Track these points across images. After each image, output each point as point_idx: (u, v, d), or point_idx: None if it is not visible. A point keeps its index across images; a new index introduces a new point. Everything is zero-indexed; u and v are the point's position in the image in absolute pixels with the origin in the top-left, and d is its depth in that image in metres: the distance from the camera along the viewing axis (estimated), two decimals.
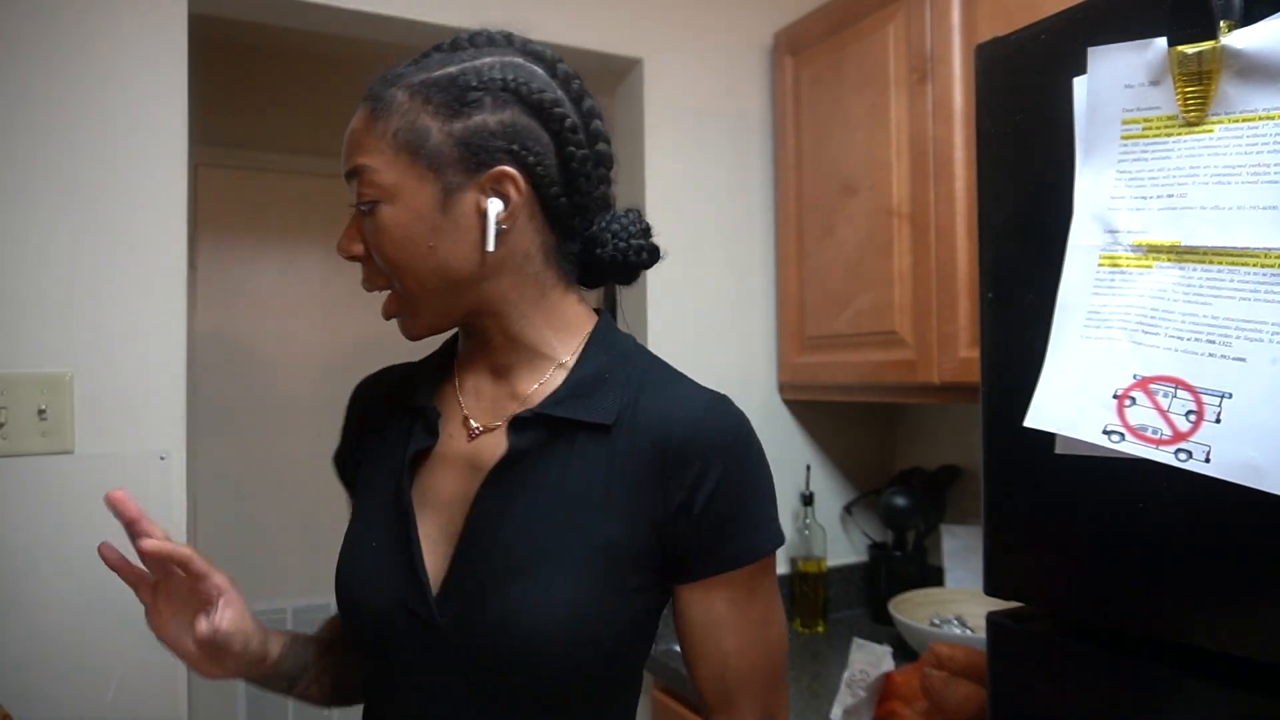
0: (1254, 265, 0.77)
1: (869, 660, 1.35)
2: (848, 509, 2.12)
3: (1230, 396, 0.77)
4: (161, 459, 1.44)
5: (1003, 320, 1.00)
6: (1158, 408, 0.81)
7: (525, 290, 0.81)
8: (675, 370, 0.84)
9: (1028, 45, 0.99)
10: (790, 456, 2.04)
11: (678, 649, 1.93)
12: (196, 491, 1.70)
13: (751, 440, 0.80)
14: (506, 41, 0.87)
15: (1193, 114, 0.82)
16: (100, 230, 1.42)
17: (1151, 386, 0.82)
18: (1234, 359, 0.77)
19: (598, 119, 0.84)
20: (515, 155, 0.77)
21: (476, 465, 0.81)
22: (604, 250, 0.85)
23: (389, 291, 0.81)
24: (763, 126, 2.03)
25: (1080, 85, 0.90)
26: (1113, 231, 0.87)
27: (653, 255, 0.89)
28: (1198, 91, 0.81)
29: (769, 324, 2.03)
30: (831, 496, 2.11)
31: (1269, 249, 0.76)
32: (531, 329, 0.82)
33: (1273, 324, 0.75)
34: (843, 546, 2.11)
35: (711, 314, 1.97)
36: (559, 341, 0.83)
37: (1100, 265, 0.88)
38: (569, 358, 0.82)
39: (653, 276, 1.91)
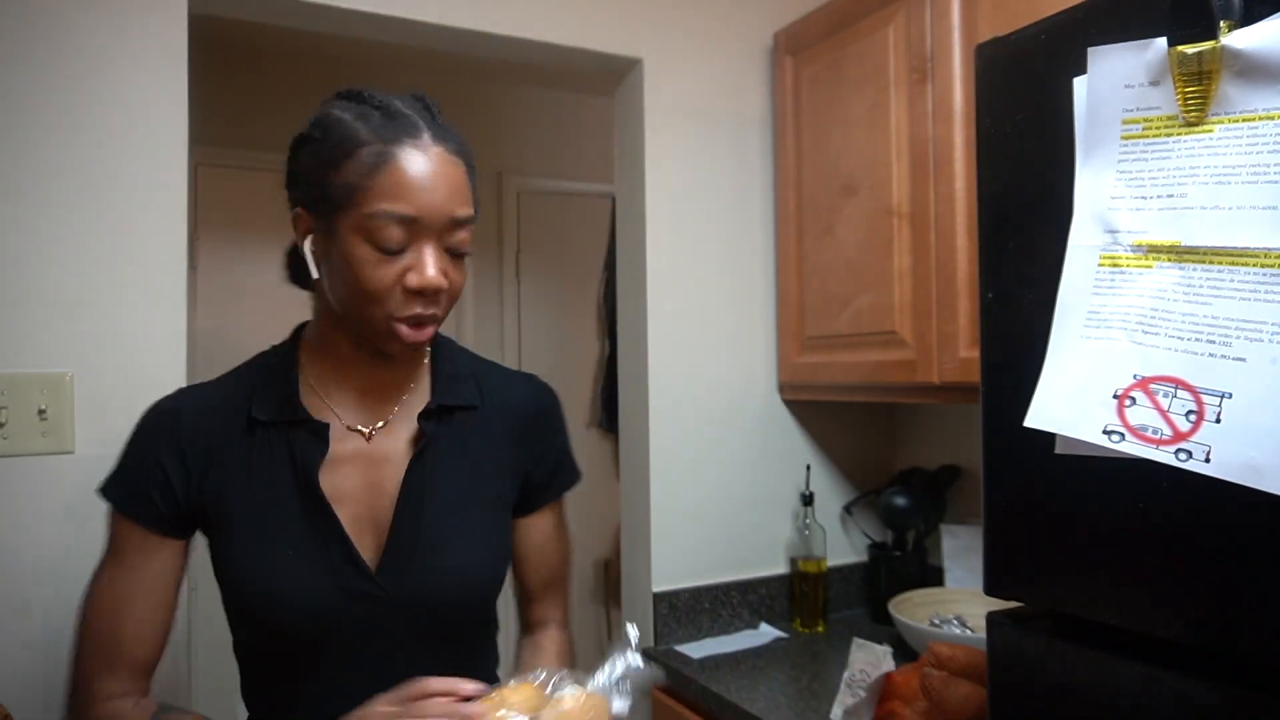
0: (1254, 265, 0.77)
1: (869, 660, 1.35)
2: (848, 509, 2.12)
3: (1230, 396, 0.77)
4: None
5: (1003, 320, 1.00)
6: (1158, 408, 0.81)
7: None
8: (486, 359, 1.12)
9: (1028, 45, 0.99)
10: (790, 456, 2.04)
11: (678, 649, 1.93)
12: None
13: (560, 405, 1.15)
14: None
15: (1193, 114, 0.82)
16: (100, 230, 1.42)
17: (1151, 386, 0.82)
18: (1234, 359, 0.77)
19: None
20: None
21: (384, 459, 0.98)
22: None
23: (418, 324, 0.92)
24: (763, 126, 2.03)
25: (1080, 85, 0.90)
26: (1113, 231, 0.87)
27: None
28: (1198, 91, 0.81)
29: (769, 324, 2.03)
30: (831, 496, 2.11)
31: (1269, 249, 0.76)
32: None
33: (1273, 324, 0.75)
34: (843, 546, 2.11)
35: (711, 314, 1.97)
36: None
37: (1100, 265, 0.88)
38: (424, 361, 1.04)
39: (653, 277, 1.91)
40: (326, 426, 0.96)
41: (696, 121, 1.96)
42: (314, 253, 0.92)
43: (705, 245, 1.97)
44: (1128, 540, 0.87)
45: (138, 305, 1.44)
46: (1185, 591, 0.83)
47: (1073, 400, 0.88)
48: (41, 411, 1.37)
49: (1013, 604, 1.02)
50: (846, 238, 1.79)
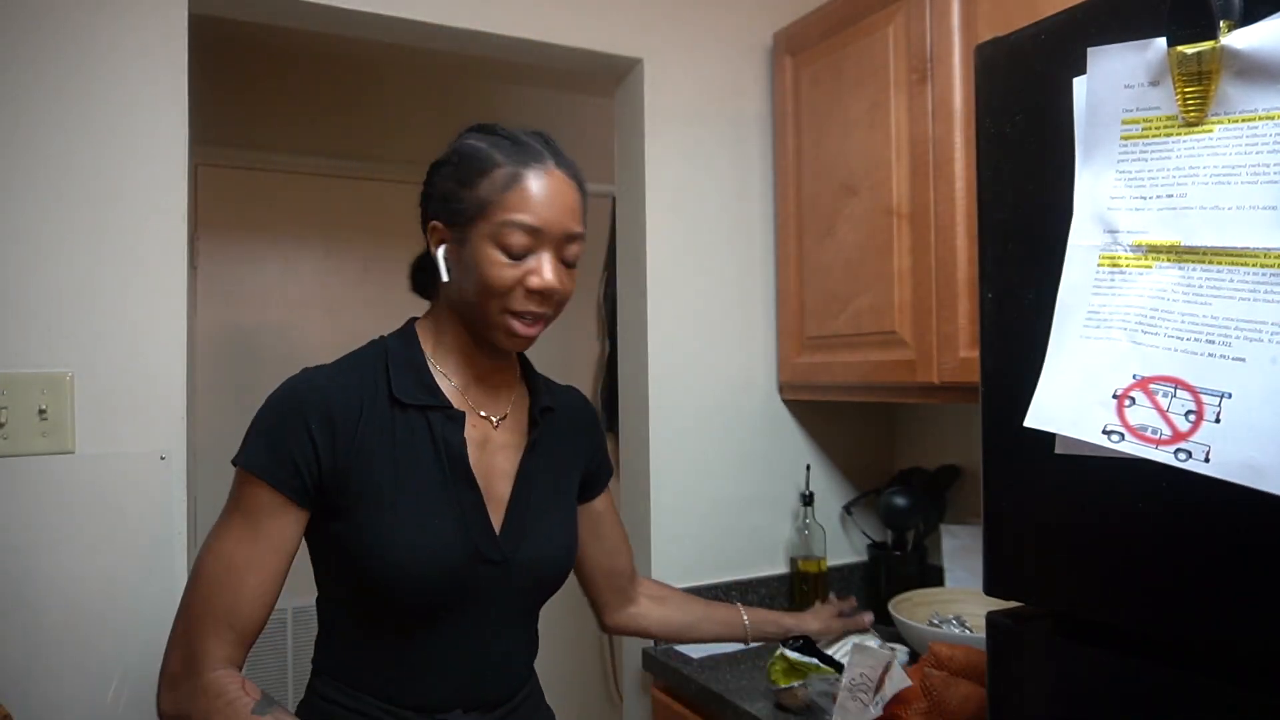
0: (1254, 265, 0.77)
1: (870, 663, 1.34)
2: (847, 509, 2.12)
3: (1230, 396, 0.77)
4: (161, 459, 1.44)
5: (1003, 320, 1.00)
6: (1157, 408, 0.81)
7: None
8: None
9: (1028, 45, 0.99)
10: (790, 456, 2.04)
11: (678, 648, 1.92)
12: (196, 491, 1.71)
13: None
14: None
15: (1192, 114, 0.82)
16: (101, 230, 1.42)
17: (1151, 386, 0.82)
18: (1234, 359, 0.77)
19: None
20: None
21: (503, 445, 1.14)
22: None
23: (531, 322, 1.08)
24: (763, 126, 2.03)
25: (1080, 85, 0.90)
26: (1113, 231, 0.87)
27: None
28: (1197, 91, 0.81)
29: (769, 324, 2.03)
30: (831, 496, 2.11)
31: (1269, 249, 0.76)
32: None
33: (1273, 324, 0.75)
34: (842, 546, 2.11)
35: (711, 314, 1.97)
36: None
37: (1100, 265, 0.88)
38: (514, 364, 1.21)
39: (653, 277, 1.91)
40: (463, 414, 1.10)
41: (696, 122, 1.96)
42: (447, 259, 1.08)
43: (705, 245, 1.97)
44: (1128, 540, 0.87)
45: (138, 305, 1.44)
46: (1185, 591, 0.83)
47: (1072, 400, 0.88)
48: (41, 411, 1.37)
49: (1013, 604, 1.02)
50: (846, 238, 1.79)
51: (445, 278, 1.08)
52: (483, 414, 1.14)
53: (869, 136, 1.73)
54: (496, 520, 1.10)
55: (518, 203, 1.03)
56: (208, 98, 1.78)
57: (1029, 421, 0.91)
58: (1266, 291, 0.76)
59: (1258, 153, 0.77)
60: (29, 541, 1.35)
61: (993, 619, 1.02)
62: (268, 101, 2.82)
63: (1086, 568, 0.91)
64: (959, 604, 1.77)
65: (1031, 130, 0.98)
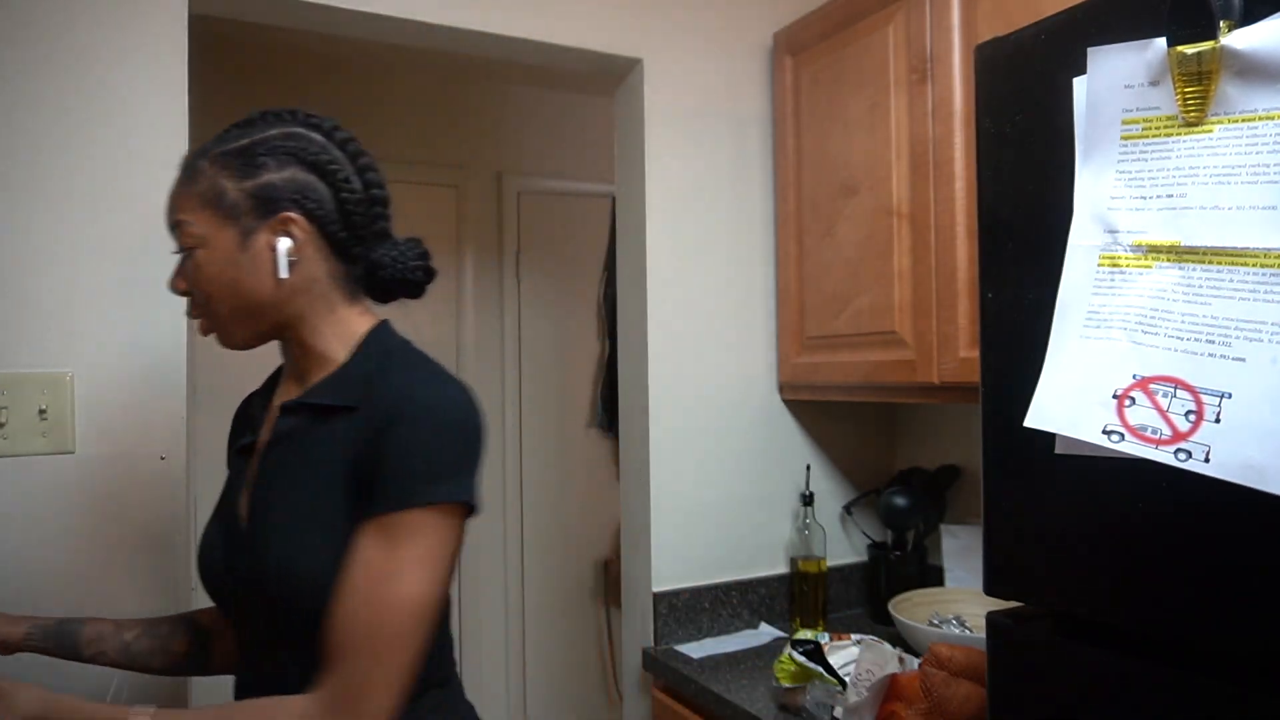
0: (1254, 265, 0.77)
1: (875, 660, 1.35)
2: (847, 509, 2.12)
3: (1230, 396, 0.77)
4: (161, 459, 1.44)
5: (1003, 320, 1.00)
6: (1157, 408, 0.82)
7: (316, 308, 1.02)
8: (426, 363, 1.01)
9: (1028, 45, 0.99)
10: (790, 456, 2.04)
11: (678, 648, 1.93)
12: (196, 491, 1.71)
13: (440, 410, 0.94)
14: (291, 116, 1.04)
15: (1192, 114, 0.82)
16: (101, 230, 1.42)
17: (1151, 386, 0.82)
18: (1234, 359, 0.77)
19: (371, 170, 1.05)
20: (298, 203, 0.99)
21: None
22: (384, 272, 1.06)
23: (204, 322, 1.02)
24: (763, 126, 2.03)
25: (1080, 85, 0.90)
26: (1113, 231, 0.87)
27: (428, 275, 1.10)
28: (1198, 92, 0.81)
29: (769, 324, 2.03)
30: (831, 496, 2.11)
31: (1269, 249, 0.76)
32: (320, 339, 1.03)
33: (1273, 324, 0.75)
34: (843, 546, 2.11)
35: (711, 314, 1.97)
36: (341, 347, 1.03)
37: (1100, 265, 0.88)
38: (340, 359, 1.02)
39: (653, 277, 1.91)
40: (263, 414, 1.09)
41: (696, 121, 1.96)
42: None
43: (705, 245, 1.97)
44: (1127, 540, 0.87)
45: (138, 305, 1.44)
46: (1185, 591, 0.83)
47: (1072, 400, 0.88)
48: (41, 411, 1.37)
49: (1013, 604, 1.02)
50: (846, 238, 1.79)
51: None
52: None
53: (869, 136, 1.73)
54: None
55: None
56: (208, 98, 1.78)
57: (1029, 421, 0.91)
58: (1267, 291, 0.76)
59: (1258, 153, 0.77)
60: (29, 541, 1.35)
61: (993, 619, 1.02)
62: (268, 101, 2.80)
63: (1086, 568, 0.91)
64: (959, 604, 1.77)
65: (1031, 130, 0.98)
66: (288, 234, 0.98)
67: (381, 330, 1.05)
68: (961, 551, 1.91)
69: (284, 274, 0.98)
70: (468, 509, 0.94)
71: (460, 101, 3.13)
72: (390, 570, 0.89)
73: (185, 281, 1.01)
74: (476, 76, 3.11)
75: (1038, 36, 0.97)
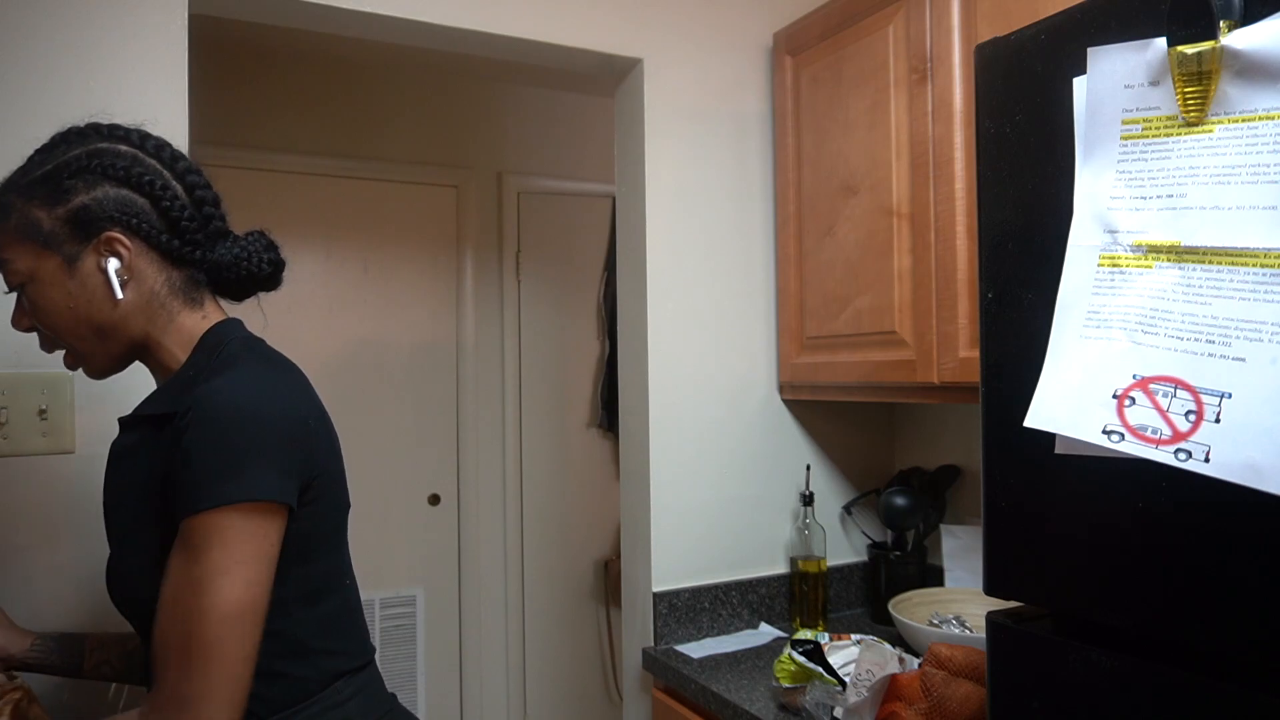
0: (1254, 265, 0.77)
1: (875, 660, 1.35)
2: (847, 509, 2.12)
3: (1230, 396, 0.77)
4: None
5: (1003, 320, 1.00)
6: (1157, 408, 0.82)
7: (157, 321, 1.00)
8: (241, 360, 0.97)
9: (1028, 45, 0.99)
10: (790, 456, 2.04)
11: (678, 648, 1.92)
12: None
13: (231, 407, 0.90)
14: (95, 132, 1.01)
15: (1193, 114, 0.82)
16: None
17: (1151, 386, 0.82)
18: (1234, 359, 0.77)
19: (193, 173, 1.02)
20: (117, 220, 0.96)
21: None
22: (229, 272, 1.04)
23: (69, 358, 1.01)
24: (763, 126, 2.03)
25: (1080, 85, 0.90)
26: (1113, 231, 0.87)
27: (276, 266, 1.09)
28: (1198, 91, 0.81)
29: (769, 324, 2.03)
30: (831, 496, 2.11)
31: (1269, 249, 0.76)
32: (167, 352, 1.01)
33: (1273, 324, 0.75)
34: (842, 546, 2.11)
35: (711, 314, 1.97)
36: (184, 354, 1.01)
37: (1100, 265, 0.88)
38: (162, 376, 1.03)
39: (652, 277, 1.91)
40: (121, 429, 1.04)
41: (696, 121, 1.96)
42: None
43: (705, 245, 1.97)
44: (1127, 540, 0.87)
45: None
46: (1185, 591, 0.83)
47: (1072, 400, 0.88)
48: (42, 411, 1.37)
49: (1013, 604, 1.02)
50: (846, 238, 1.79)
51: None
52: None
53: (869, 136, 1.73)
54: None
55: None
56: (208, 98, 1.78)
57: (1029, 421, 0.91)
58: (1267, 291, 0.76)
59: (1258, 153, 0.77)
60: (29, 541, 1.35)
61: (993, 619, 1.02)
62: (268, 101, 2.82)
63: (1086, 568, 0.91)
64: (959, 604, 1.77)
65: (1031, 130, 0.98)
66: (114, 254, 0.96)
67: (217, 331, 1.02)
68: (961, 551, 1.91)
69: (119, 294, 0.96)
70: (274, 504, 0.90)
71: (460, 101, 3.13)
72: (196, 578, 0.86)
73: (27, 318, 1.00)
74: (476, 76, 3.11)
75: (1038, 36, 0.97)
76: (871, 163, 1.72)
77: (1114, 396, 0.85)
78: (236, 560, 0.86)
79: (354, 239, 2.91)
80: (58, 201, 0.96)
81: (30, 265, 0.96)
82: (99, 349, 0.99)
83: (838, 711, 1.38)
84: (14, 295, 1.00)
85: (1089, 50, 0.89)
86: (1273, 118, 0.77)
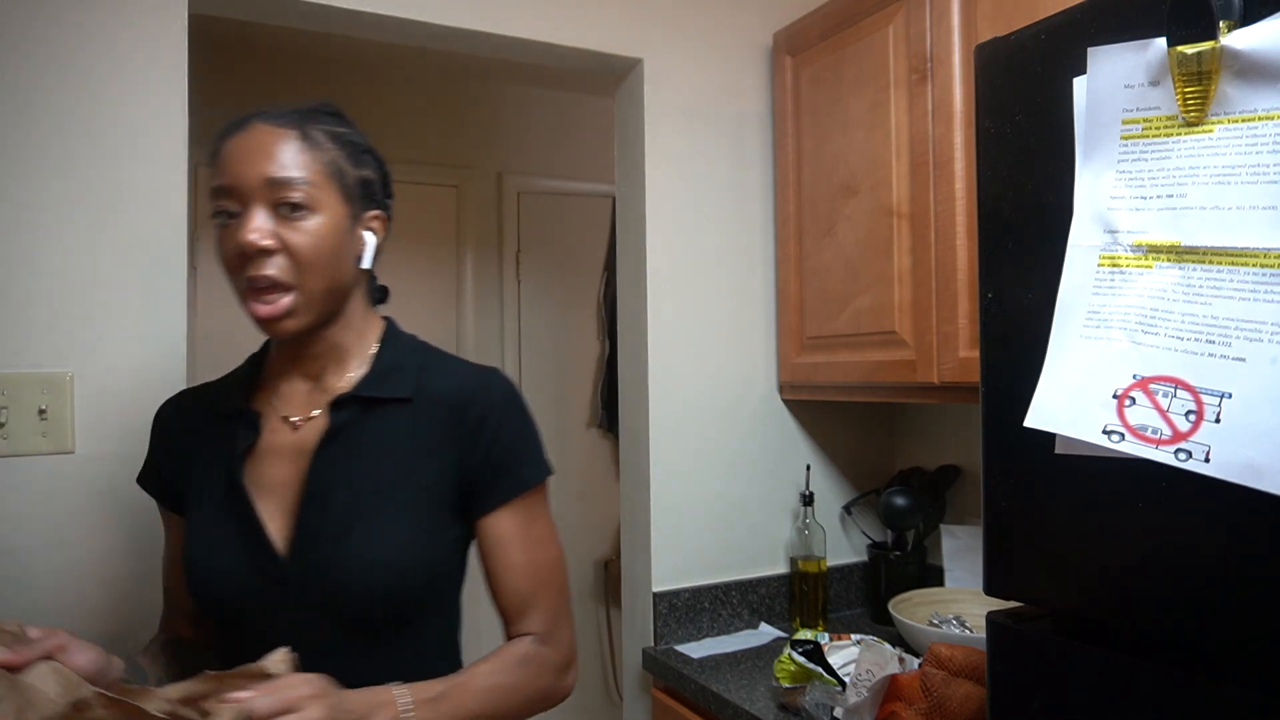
0: (1254, 265, 0.77)
1: (875, 660, 1.35)
2: (847, 509, 2.12)
3: (1230, 396, 0.77)
4: None
5: (1003, 320, 1.00)
6: (1157, 408, 0.82)
7: (358, 303, 1.07)
8: (449, 354, 1.12)
9: (1028, 45, 0.99)
10: (790, 456, 2.04)
11: (678, 648, 1.92)
12: None
13: (520, 398, 1.08)
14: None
15: (1193, 114, 0.82)
16: (101, 230, 1.42)
17: (1151, 386, 0.82)
18: (1234, 359, 0.77)
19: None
20: (383, 204, 1.08)
21: (303, 450, 1.02)
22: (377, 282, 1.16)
23: (262, 295, 0.96)
24: (763, 126, 2.03)
25: (1080, 85, 0.90)
26: (1113, 231, 0.87)
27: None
28: (1198, 91, 0.81)
29: (769, 324, 2.03)
30: (831, 496, 2.11)
31: (1269, 249, 0.76)
32: (349, 335, 1.05)
33: (1273, 324, 0.75)
34: (842, 546, 2.11)
35: (711, 314, 1.97)
36: (362, 343, 1.07)
37: (1100, 265, 0.88)
38: (369, 354, 1.06)
39: (653, 277, 1.91)
40: (257, 416, 1.04)
41: (696, 121, 1.96)
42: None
43: (705, 245, 1.97)
44: (1128, 540, 0.87)
45: (138, 305, 1.44)
46: (1185, 591, 0.83)
47: (1072, 400, 0.88)
48: (41, 411, 1.37)
49: (1013, 604, 1.02)
50: (846, 238, 1.79)
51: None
52: (285, 416, 1.05)
53: (869, 136, 1.73)
54: (283, 533, 1.00)
55: (214, 173, 0.98)
56: (208, 98, 1.78)
57: (1029, 422, 0.91)
58: (1267, 291, 0.76)
59: (1258, 153, 0.77)
60: (29, 541, 1.35)
61: (993, 619, 1.02)
62: (267, 102, 2.82)
63: (1086, 568, 0.91)
64: (959, 604, 1.77)
65: (1031, 130, 0.98)
66: (372, 230, 1.05)
67: (396, 327, 1.12)
68: (961, 551, 1.91)
69: (368, 264, 1.04)
70: None
71: (460, 101, 3.12)
72: (541, 537, 1.06)
73: (278, 239, 0.95)
74: (476, 76, 3.11)
75: (1038, 36, 0.97)
76: (871, 163, 1.72)
77: (1114, 396, 0.84)
78: (553, 523, 1.10)
79: None
80: (357, 165, 1.02)
81: (326, 200, 0.98)
82: (320, 303, 0.99)
83: (838, 712, 1.38)
84: (256, 215, 0.94)
85: (1089, 50, 0.89)
86: (1273, 118, 0.77)
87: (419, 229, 3.00)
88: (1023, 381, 0.94)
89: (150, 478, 1.14)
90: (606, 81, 2.05)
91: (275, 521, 1.00)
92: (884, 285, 1.69)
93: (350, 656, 0.97)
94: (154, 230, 1.46)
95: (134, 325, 1.44)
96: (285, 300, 0.95)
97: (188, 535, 1.05)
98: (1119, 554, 0.88)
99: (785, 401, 2.04)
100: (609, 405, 3.18)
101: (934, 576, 1.98)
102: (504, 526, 1.04)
